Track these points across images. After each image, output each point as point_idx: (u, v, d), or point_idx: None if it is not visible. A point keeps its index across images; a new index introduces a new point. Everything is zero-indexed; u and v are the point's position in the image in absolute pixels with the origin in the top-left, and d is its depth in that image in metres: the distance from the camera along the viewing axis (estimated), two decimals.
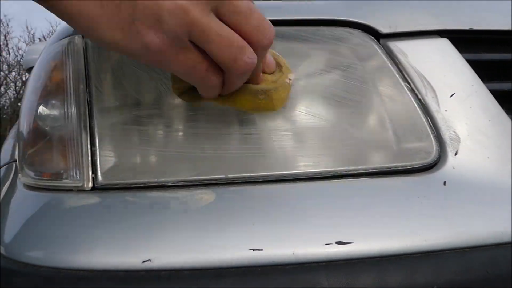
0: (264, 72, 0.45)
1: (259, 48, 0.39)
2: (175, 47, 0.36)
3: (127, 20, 0.35)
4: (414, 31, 0.54)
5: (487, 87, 0.53)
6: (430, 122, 0.51)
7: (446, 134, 0.50)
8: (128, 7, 0.35)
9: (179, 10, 0.34)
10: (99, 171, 0.47)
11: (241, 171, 0.48)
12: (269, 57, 0.45)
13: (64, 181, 0.48)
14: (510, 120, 0.52)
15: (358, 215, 0.45)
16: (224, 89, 0.42)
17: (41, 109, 0.53)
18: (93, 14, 0.35)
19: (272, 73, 0.45)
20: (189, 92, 0.45)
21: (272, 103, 0.45)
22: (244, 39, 0.38)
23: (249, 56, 0.38)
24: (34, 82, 0.56)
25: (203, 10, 0.35)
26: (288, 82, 0.45)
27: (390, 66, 0.52)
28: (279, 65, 0.46)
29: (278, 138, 0.49)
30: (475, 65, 0.53)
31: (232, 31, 0.37)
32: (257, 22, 0.37)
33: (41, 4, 0.36)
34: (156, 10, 0.34)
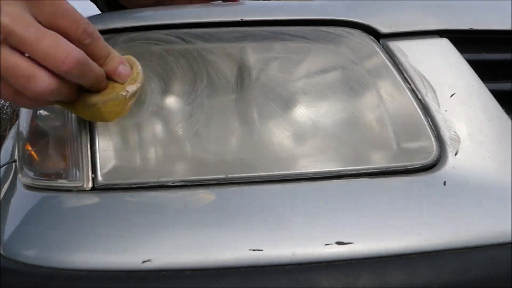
0: (117, 82, 0.44)
1: (59, 73, 0.39)
2: None
3: None
4: (414, 31, 0.54)
5: (487, 87, 0.53)
6: (430, 122, 0.51)
7: (446, 134, 0.50)
8: None
9: None
10: (99, 171, 0.47)
11: (241, 171, 0.48)
12: (122, 68, 0.44)
13: (64, 181, 0.48)
14: (510, 120, 0.52)
15: (358, 215, 0.45)
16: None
17: (41, 109, 0.53)
18: None
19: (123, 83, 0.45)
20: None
21: (103, 116, 0.44)
22: (41, 65, 0.38)
23: (41, 84, 0.38)
24: None
25: None
26: (124, 94, 0.44)
27: (390, 66, 0.52)
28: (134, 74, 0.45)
29: (278, 138, 0.49)
30: (475, 65, 0.53)
31: (20, 60, 0.38)
32: (46, 50, 0.38)
33: None
34: None
